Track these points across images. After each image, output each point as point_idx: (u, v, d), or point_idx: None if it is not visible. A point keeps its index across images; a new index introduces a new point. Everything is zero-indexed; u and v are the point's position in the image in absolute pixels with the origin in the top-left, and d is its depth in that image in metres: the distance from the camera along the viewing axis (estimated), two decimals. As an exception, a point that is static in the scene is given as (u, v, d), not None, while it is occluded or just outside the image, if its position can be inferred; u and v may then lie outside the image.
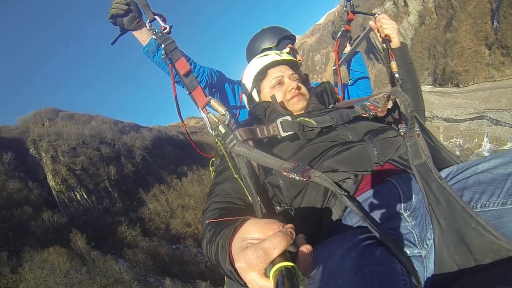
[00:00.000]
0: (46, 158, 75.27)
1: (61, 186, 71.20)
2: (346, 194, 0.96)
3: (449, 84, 69.94)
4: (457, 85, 67.67)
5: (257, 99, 1.67)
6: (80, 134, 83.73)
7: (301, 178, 0.99)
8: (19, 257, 48.82)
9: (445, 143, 57.95)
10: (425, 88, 74.09)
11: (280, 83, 1.60)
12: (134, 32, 1.74)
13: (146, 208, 73.83)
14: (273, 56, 1.68)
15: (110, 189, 76.40)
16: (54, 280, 43.88)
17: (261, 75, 1.65)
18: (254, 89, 1.68)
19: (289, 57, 1.72)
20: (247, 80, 1.71)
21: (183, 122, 1.58)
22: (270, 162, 1.08)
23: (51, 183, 71.61)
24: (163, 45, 1.39)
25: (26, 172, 72.22)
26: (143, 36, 1.78)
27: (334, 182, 1.03)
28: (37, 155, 76.77)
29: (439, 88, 72.39)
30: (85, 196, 72.20)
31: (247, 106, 1.82)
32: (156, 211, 73.04)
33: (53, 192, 70.67)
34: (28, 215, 59.52)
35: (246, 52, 2.63)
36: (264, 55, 1.71)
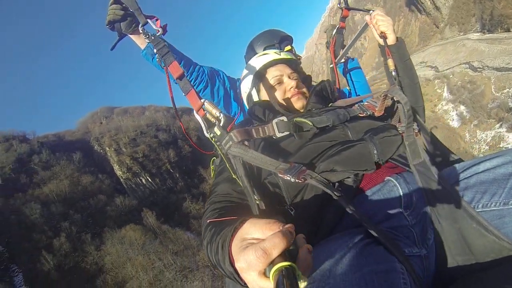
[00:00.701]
0: (110, 151, 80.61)
1: (127, 174, 75.78)
2: (341, 195, 0.94)
3: (499, 29, 60.59)
4: (508, 30, 58.31)
5: (256, 98, 1.65)
6: (137, 125, 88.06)
7: (296, 180, 0.97)
8: (101, 237, 53.58)
9: (497, 94, 51.00)
10: (473, 36, 66.10)
11: (280, 82, 1.60)
12: (132, 37, 1.77)
13: (207, 183, 75.59)
14: (272, 55, 1.68)
15: (171, 170, 79.47)
16: (133, 252, 47.16)
17: (261, 74, 1.65)
18: (254, 88, 1.66)
19: (288, 56, 1.72)
20: (247, 79, 1.71)
21: (181, 122, 1.60)
22: (266, 164, 1.06)
23: (118, 173, 76.61)
24: (155, 50, 1.39)
25: (95, 166, 78.12)
26: (141, 39, 1.80)
27: (333, 183, 1.03)
28: (101, 151, 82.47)
29: (488, 35, 63.16)
30: (149, 179, 75.86)
31: (246, 105, 1.80)
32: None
33: (121, 180, 75.51)
34: (103, 202, 64.60)
35: (245, 54, 2.54)
36: (263, 54, 1.71)
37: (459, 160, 1.24)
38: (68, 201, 65.49)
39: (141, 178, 76.24)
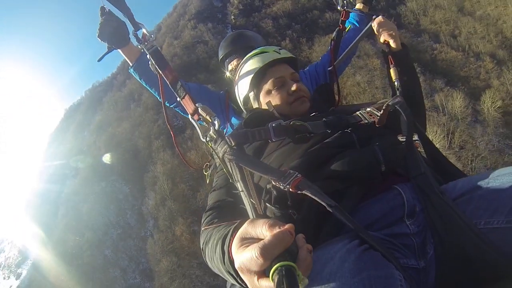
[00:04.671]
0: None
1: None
2: (335, 206, 0.89)
3: None
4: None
5: (254, 101, 1.60)
6: None
7: (290, 190, 0.93)
8: (312, 40, 71.98)
9: None
10: None
11: (281, 84, 1.50)
12: (121, 50, 1.75)
13: (405, 6, 78.42)
14: (271, 54, 1.55)
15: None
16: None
17: (259, 76, 1.53)
18: (252, 91, 1.58)
19: (288, 54, 1.59)
20: (244, 81, 1.59)
21: (173, 132, 1.60)
22: (260, 169, 1.03)
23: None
24: (148, 55, 1.42)
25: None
26: (131, 54, 1.80)
27: (335, 191, 0.99)
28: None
29: None
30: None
31: (242, 108, 1.74)
32: (410, 8, 77.12)
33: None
34: (316, 16, 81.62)
35: (221, 57, 2.43)
36: (262, 52, 1.58)
37: (462, 175, 1.20)
38: (291, 15, 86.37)
39: None
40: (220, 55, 2.38)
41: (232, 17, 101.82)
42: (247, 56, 1.64)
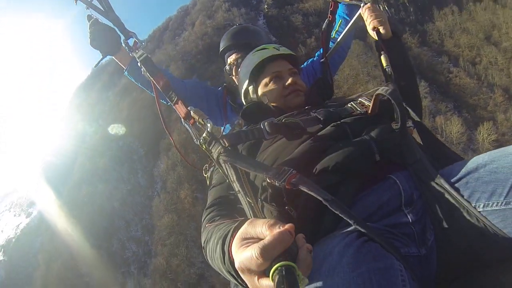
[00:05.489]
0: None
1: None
2: (332, 200, 0.87)
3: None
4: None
5: (253, 95, 1.64)
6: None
7: (285, 186, 0.92)
8: None
9: None
10: None
11: (278, 77, 1.55)
12: (115, 56, 1.80)
13: (433, 24, 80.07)
14: (271, 50, 1.63)
15: (407, 4, 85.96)
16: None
17: (258, 70, 1.60)
18: (252, 84, 1.64)
19: (287, 51, 1.65)
20: (244, 75, 1.66)
21: (171, 137, 1.60)
22: (255, 168, 1.04)
23: None
24: (139, 63, 1.47)
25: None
26: (124, 59, 1.84)
27: (331, 184, 0.99)
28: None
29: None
30: (386, 8, 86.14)
31: (243, 101, 1.78)
32: (438, 27, 78.80)
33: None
34: None
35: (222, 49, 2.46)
36: (262, 49, 1.66)
37: (459, 158, 1.20)
38: (322, 14, 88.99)
39: (378, 5, 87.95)
40: (221, 47, 2.40)
41: (266, 6, 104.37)
42: (249, 53, 1.71)
